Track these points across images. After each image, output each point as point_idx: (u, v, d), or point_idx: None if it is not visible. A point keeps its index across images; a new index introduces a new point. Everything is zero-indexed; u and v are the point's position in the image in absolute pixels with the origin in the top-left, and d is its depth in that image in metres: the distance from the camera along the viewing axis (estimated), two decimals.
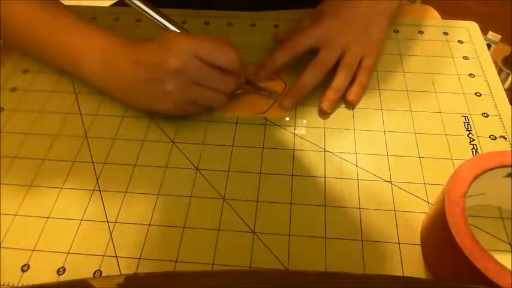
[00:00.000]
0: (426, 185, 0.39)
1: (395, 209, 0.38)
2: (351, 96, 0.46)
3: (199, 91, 0.41)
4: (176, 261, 0.35)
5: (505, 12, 1.42)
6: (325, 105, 0.45)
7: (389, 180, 0.40)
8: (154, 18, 0.42)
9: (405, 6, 0.58)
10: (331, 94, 0.45)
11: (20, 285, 0.35)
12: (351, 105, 0.46)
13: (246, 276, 0.33)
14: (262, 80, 0.48)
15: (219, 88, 0.41)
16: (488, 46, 1.28)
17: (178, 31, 0.43)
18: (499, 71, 1.19)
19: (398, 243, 0.36)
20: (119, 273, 0.35)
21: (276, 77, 0.49)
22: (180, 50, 0.38)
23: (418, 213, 0.37)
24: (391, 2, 0.51)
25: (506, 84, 1.18)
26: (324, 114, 0.45)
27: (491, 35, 1.30)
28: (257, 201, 0.39)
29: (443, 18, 0.57)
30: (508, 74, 1.17)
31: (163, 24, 0.43)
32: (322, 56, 0.46)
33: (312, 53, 0.46)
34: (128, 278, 0.32)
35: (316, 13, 0.50)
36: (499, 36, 1.29)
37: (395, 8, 0.52)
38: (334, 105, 0.45)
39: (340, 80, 0.46)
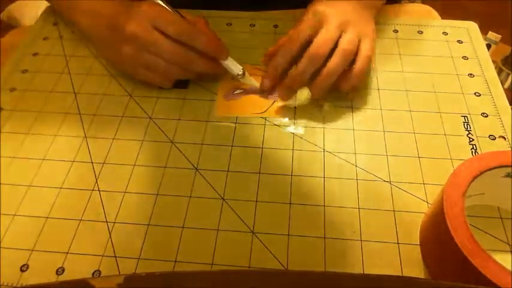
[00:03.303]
0: (425, 185, 0.39)
1: (394, 209, 0.38)
2: (344, 85, 0.44)
3: (151, 59, 0.43)
4: (175, 261, 0.35)
5: (505, 12, 1.42)
6: (316, 93, 0.44)
7: (389, 180, 0.40)
8: None
9: (405, 6, 0.58)
10: (323, 79, 0.43)
11: (19, 285, 0.35)
12: (344, 93, 0.45)
13: (246, 276, 0.33)
14: (265, 87, 0.46)
15: (176, 62, 0.44)
16: (488, 46, 1.28)
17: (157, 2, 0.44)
18: (499, 71, 1.19)
19: (397, 243, 0.36)
20: (118, 274, 0.35)
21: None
22: (139, 16, 0.42)
23: (417, 213, 0.37)
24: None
25: (506, 84, 1.18)
26: (314, 99, 0.45)
27: (491, 35, 1.30)
28: (256, 201, 0.39)
29: (443, 18, 0.57)
30: (508, 74, 1.17)
31: None
32: (318, 40, 0.43)
33: None
34: (128, 278, 0.32)
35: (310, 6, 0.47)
36: (499, 36, 1.29)
37: (379, 6, 0.52)
38: (325, 91, 0.44)
39: (334, 63, 0.42)
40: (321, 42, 0.43)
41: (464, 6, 1.48)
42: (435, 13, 0.58)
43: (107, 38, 0.46)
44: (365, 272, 0.35)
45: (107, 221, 0.38)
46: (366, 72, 0.46)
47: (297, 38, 0.44)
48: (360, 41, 0.44)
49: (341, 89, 0.44)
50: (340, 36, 0.43)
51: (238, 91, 0.47)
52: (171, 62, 0.44)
